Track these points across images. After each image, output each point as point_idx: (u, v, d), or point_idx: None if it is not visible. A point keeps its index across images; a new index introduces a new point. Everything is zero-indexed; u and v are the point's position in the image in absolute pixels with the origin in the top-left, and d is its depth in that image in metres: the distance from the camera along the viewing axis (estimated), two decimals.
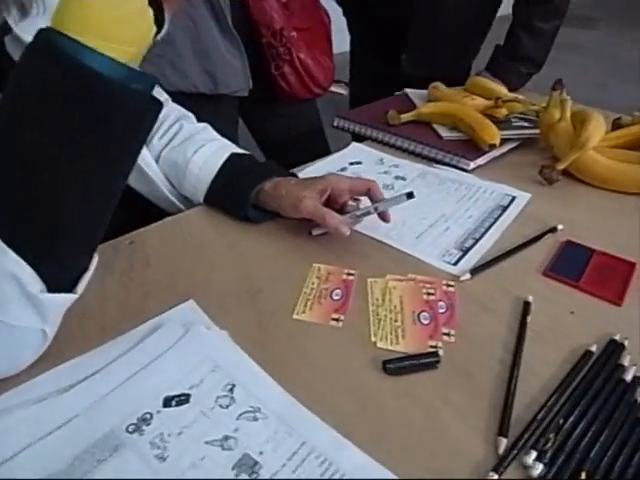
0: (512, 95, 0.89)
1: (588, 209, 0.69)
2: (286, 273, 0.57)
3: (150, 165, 0.70)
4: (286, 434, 0.39)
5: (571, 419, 0.39)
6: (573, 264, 0.57)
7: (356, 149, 0.85)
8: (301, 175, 0.70)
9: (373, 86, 1.13)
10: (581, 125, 0.71)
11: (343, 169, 0.79)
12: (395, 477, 0.36)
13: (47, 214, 0.38)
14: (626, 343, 0.46)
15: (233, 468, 0.37)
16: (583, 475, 0.36)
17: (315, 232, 0.62)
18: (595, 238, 0.61)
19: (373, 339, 0.48)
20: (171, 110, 0.76)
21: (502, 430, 0.39)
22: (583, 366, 0.44)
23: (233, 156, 0.69)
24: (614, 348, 0.46)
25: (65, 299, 0.41)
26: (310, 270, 0.57)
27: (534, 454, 0.37)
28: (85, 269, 0.43)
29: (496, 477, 0.36)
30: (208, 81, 1.00)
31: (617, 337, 0.47)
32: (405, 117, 0.87)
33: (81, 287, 0.43)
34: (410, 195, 0.58)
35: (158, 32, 0.39)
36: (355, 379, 0.44)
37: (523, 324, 0.49)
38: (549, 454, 0.37)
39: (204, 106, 0.85)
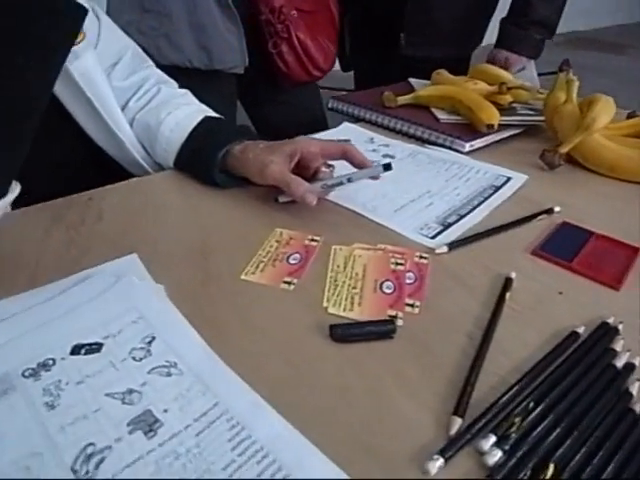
0: (518, 82, 0.83)
1: (591, 195, 0.62)
2: (245, 236, 0.51)
3: (123, 128, 0.66)
4: (199, 393, 0.33)
5: (544, 403, 0.32)
6: (567, 245, 0.50)
7: (347, 128, 0.80)
8: None
9: (375, 71, 1.08)
10: (588, 107, 0.64)
11: None
12: (314, 449, 0.29)
13: None
14: (620, 327, 0.39)
15: (129, 424, 0.31)
16: (550, 469, 0.29)
17: (282, 199, 0.56)
18: (596, 223, 0.54)
19: (325, 304, 0.42)
20: (151, 74, 0.72)
21: (458, 409, 0.32)
22: (566, 348, 0.37)
23: (206, 119, 0.64)
24: (606, 331, 0.39)
25: None
26: (271, 234, 0.51)
27: (492, 439, 0.30)
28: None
29: (441, 461, 0.29)
30: (203, 56, 0.96)
31: (610, 320, 0.40)
32: (402, 99, 0.82)
33: None
34: (387, 167, 0.53)
35: None
36: (297, 344, 0.38)
37: (501, 300, 0.42)
38: (512, 441, 0.30)
39: (201, 84, 0.81)
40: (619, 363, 0.36)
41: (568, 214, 0.56)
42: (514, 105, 0.82)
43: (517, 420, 0.31)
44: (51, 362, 0.35)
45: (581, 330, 0.39)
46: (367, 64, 1.29)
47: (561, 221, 0.54)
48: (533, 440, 0.30)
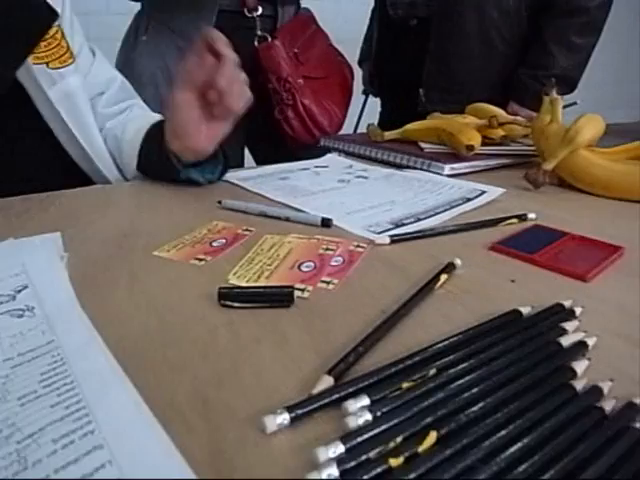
0: (510, 117, 0.79)
1: (576, 208, 0.55)
2: (178, 225, 0.48)
3: (96, 147, 0.68)
4: (40, 332, 0.29)
5: (450, 371, 0.25)
6: (533, 242, 0.43)
7: (329, 158, 0.78)
8: (259, 172, 0.67)
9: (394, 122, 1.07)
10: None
11: (305, 169, 0.71)
12: (129, 388, 0.23)
13: None
14: (578, 311, 0.32)
15: None
16: (431, 437, 0.21)
17: (225, 203, 0.53)
18: (576, 230, 0.47)
19: (228, 277, 0.36)
20: (137, 104, 0.75)
21: (333, 369, 0.25)
22: (501, 324, 0.30)
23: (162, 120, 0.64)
24: (557, 312, 0.31)
25: None
26: (205, 224, 0.48)
27: (364, 401, 0.23)
28: None
29: (285, 417, 0.22)
30: None
31: (567, 303, 0.32)
32: (389, 134, 0.80)
33: None
34: (326, 222, 0.47)
35: None
36: (179, 308, 0.33)
37: (433, 280, 0.35)
38: (390, 406, 0.23)
39: None
40: (566, 342, 0.28)
41: (544, 222, 0.49)
42: (508, 141, 0.78)
43: (405, 385, 0.24)
44: None
45: (526, 310, 0.31)
46: (386, 115, 1.31)
47: (533, 224, 0.48)
48: (419, 408, 0.23)
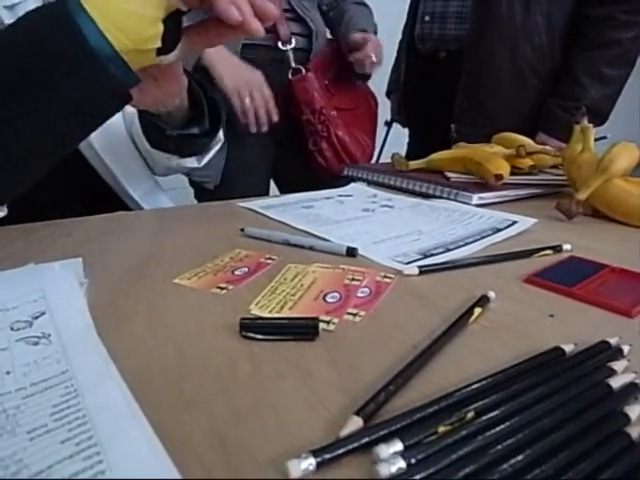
0: (538, 146, 0.78)
1: (613, 239, 0.52)
2: (200, 253, 0.47)
3: (119, 156, 0.70)
4: (55, 360, 0.28)
5: (491, 414, 0.23)
6: (571, 274, 0.41)
7: (353, 187, 0.78)
8: (282, 201, 0.67)
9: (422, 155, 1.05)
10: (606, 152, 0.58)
11: (329, 197, 0.70)
12: (144, 427, 0.22)
13: None
14: (626, 349, 0.29)
15: None
16: None
17: (248, 230, 0.52)
18: (615, 262, 0.44)
19: (250, 307, 0.35)
20: None
21: (362, 409, 0.23)
22: (542, 362, 0.28)
23: None
24: (603, 350, 0.29)
25: None
26: (228, 252, 0.47)
27: (397, 446, 0.21)
28: None
29: (310, 463, 0.20)
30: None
31: (613, 341, 0.30)
32: (414, 164, 0.79)
33: None
34: (351, 251, 0.46)
35: (164, 53, 0.40)
36: (198, 339, 0.31)
37: (466, 313, 0.33)
38: (425, 453, 0.21)
39: None
40: (616, 384, 0.26)
41: (580, 254, 0.47)
42: (536, 170, 0.76)
43: (442, 429, 0.22)
44: None
45: (569, 348, 0.29)
46: (414, 146, 1.30)
47: (569, 256, 0.46)
48: (458, 455, 0.21)
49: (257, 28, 0.40)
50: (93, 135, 0.68)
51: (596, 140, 1.04)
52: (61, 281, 0.39)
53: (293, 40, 1.07)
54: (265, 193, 1.20)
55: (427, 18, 1.14)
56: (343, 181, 1.05)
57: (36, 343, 0.30)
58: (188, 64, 0.94)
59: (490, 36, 1.02)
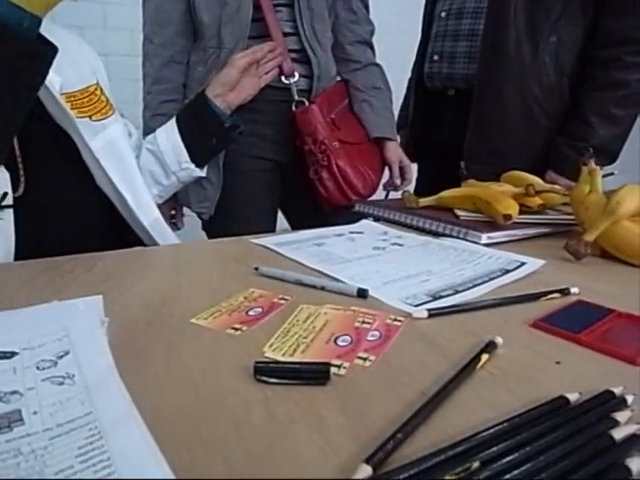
0: (547, 185, 0.79)
1: (621, 282, 0.53)
2: (215, 292, 0.49)
3: (133, 186, 0.75)
4: (79, 402, 0.30)
5: (496, 465, 0.24)
6: (578, 319, 0.41)
7: (364, 224, 0.79)
8: (294, 237, 0.70)
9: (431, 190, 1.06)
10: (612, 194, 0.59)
11: (340, 234, 0.72)
12: (164, 469, 0.23)
13: None
14: (630, 399, 0.30)
15: None
16: None
17: (262, 269, 0.54)
18: (623, 306, 0.45)
19: (264, 349, 0.36)
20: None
21: (372, 457, 0.24)
22: (547, 411, 0.28)
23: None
24: (607, 399, 0.30)
25: None
26: (243, 291, 0.48)
27: None
28: None
29: None
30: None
31: (618, 390, 0.31)
32: (424, 201, 0.81)
33: None
34: (362, 293, 0.47)
35: None
36: (214, 381, 0.33)
37: (473, 360, 0.34)
38: None
39: None
40: (618, 435, 0.26)
41: (588, 297, 0.47)
42: (546, 209, 0.78)
43: (448, 479, 0.23)
44: None
45: (573, 397, 0.30)
46: (423, 181, 1.32)
47: (576, 300, 0.46)
48: None
49: None
50: (111, 168, 0.72)
51: (603, 177, 1.05)
52: (84, 320, 0.41)
53: (296, 74, 1.10)
54: (272, 225, 1.22)
55: (436, 57, 1.18)
56: (348, 215, 1.08)
57: (61, 383, 0.31)
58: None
59: (499, 76, 1.05)
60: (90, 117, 0.73)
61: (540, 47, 1.01)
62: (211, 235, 1.24)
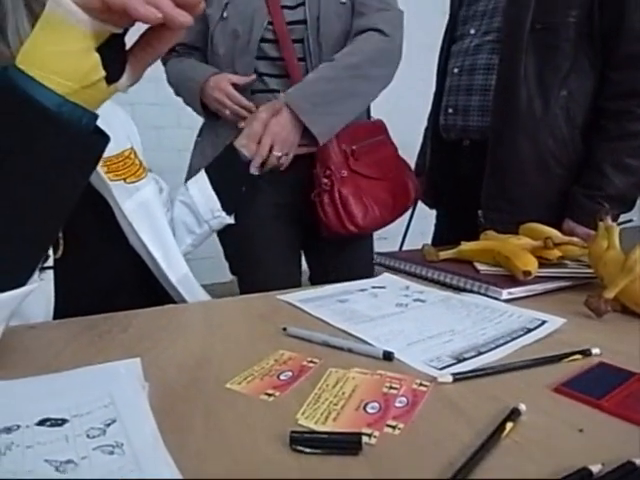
0: (566, 238, 0.81)
1: None
2: (247, 354, 0.51)
3: (165, 247, 0.80)
4: (128, 470, 0.32)
5: None
6: (600, 384, 0.43)
7: (386, 278, 0.81)
8: (319, 293, 0.73)
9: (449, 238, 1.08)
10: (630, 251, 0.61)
11: (363, 290, 0.74)
12: None
13: None
14: None
15: None
16: None
17: (290, 330, 0.56)
18: None
19: (297, 417, 0.38)
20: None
21: None
22: None
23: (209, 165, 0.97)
24: (629, 471, 0.31)
25: None
26: (273, 353, 0.51)
27: None
28: (15, 285, 0.44)
29: None
30: None
31: (638, 461, 0.32)
32: (444, 254, 0.83)
33: (5, 296, 0.43)
34: (388, 355, 0.49)
35: (114, 80, 0.45)
36: (252, 449, 0.35)
37: (499, 429, 0.36)
38: None
39: None
40: None
41: (609, 358, 0.49)
42: (565, 261, 0.79)
43: None
44: (16, 427, 0.37)
45: (596, 468, 0.31)
46: (441, 228, 1.35)
47: (598, 361, 0.47)
48: None
49: (183, 19, 0.40)
50: (143, 228, 0.76)
51: (621, 224, 1.07)
52: (127, 385, 0.43)
53: None
54: (297, 265, 1.26)
55: (450, 110, 1.22)
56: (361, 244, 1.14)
57: (111, 452, 0.34)
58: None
59: (512, 128, 1.08)
60: (124, 180, 0.77)
61: (551, 101, 1.05)
62: (240, 279, 1.29)
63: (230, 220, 0.98)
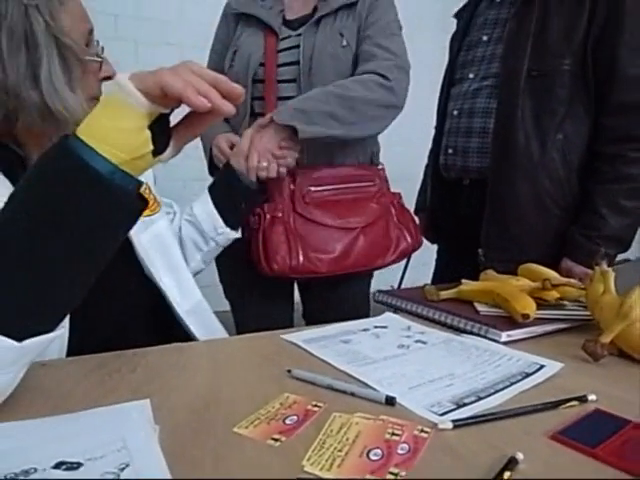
0: (564, 279, 0.83)
1: (638, 385, 0.55)
2: (253, 396, 0.53)
3: (178, 274, 0.83)
4: None
5: None
6: (595, 432, 0.44)
7: (387, 317, 0.83)
8: (322, 333, 0.74)
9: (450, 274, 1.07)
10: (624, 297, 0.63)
11: (365, 329, 0.76)
12: None
13: (31, 269, 0.44)
14: None
15: None
16: None
17: (295, 372, 0.58)
18: (638, 414, 0.48)
19: (303, 463, 0.40)
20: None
21: None
22: None
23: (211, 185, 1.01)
24: None
25: (11, 346, 0.44)
26: (278, 397, 0.52)
27: None
28: (47, 330, 0.46)
29: None
30: None
31: None
32: (445, 294, 0.85)
33: (34, 342, 0.45)
34: (390, 400, 0.50)
35: (160, 152, 0.50)
36: None
37: (497, 477, 0.37)
38: None
39: None
40: None
41: (605, 404, 0.50)
42: (563, 302, 0.81)
43: None
44: (33, 471, 0.39)
45: None
46: (442, 263, 1.37)
47: (594, 408, 0.49)
48: None
49: (227, 109, 0.48)
50: (157, 258, 0.78)
51: (618, 264, 1.09)
52: (138, 429, 0.45)
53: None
54: (290, 309, 1.33)
55: (450, 151, 1.26)
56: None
57: None
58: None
59: (510, 170, 1.12)
60: None
61: (548, 144, 1.09)
62: (232, 307, 1.33)
63: (236, 234, 1.02)
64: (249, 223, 1.12)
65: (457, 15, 1.37)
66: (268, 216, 1.12)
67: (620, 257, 1.13)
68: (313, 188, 1.15)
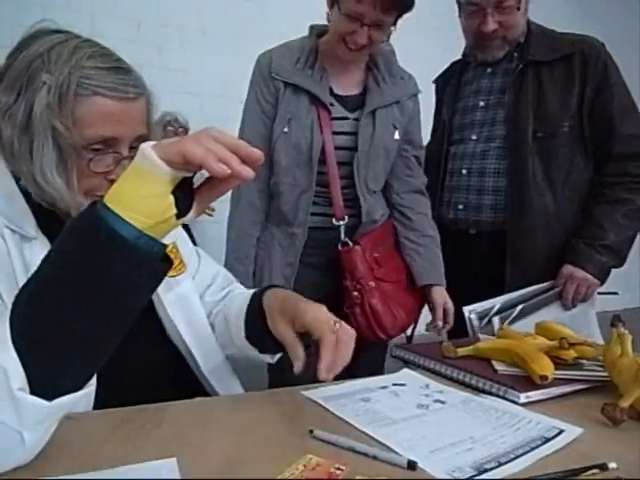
0: (581, 338, 0.83)
1: None
2: (276, 457, 0.54)
3: (201, 338, 0.83)
4: None
5: None
6: None
7: (406, 374, 0.84)
8: (341, 390, 0.75)
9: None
10: None
11: (384, 387, 0.77)
12: None
13: (61, 331, 0.47)
14: None
15: None
16: None
17: (317, 433, 0.59)
18: None
19: None
20: (235, 287, 0.94)
21: None
22: None
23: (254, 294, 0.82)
24: None
25: (42, 405, 0.46)
26: (301, 458, 0.53)
27: None
28: (75, 388, 0.48)
29: None
30: None
31: None
32: (462, 351, 0.86)
33: (64, 401, 0.47)
34: (411, 465, 0.52)
35: (183, 215, 0.52)
36: None
37: None
38: None
39: None
40: None
41: (626, 472, 0.50)
42: (581, 361, 0.81)
43: None
44: None
45: None
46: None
47: (615, 477, 0.49)
48: None
49: (246, 174, 0.49)
50: (180, 320, 0.80)
51: (606, 294, 1.23)
52: None
53: (346, 217, 1.23)
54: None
55: (461, 207, 1.32)
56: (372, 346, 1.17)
57: None
58: None
59: (529, 222, 1.24)
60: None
61: (558, 196, 1.23)
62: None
63: (259, 356, 0.84)
64: (349, 298, 1.21)
65: (437, 81, 1.51)
66: (367, 287, 1.20)
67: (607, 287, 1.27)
68: (375, 253, 1.25)
